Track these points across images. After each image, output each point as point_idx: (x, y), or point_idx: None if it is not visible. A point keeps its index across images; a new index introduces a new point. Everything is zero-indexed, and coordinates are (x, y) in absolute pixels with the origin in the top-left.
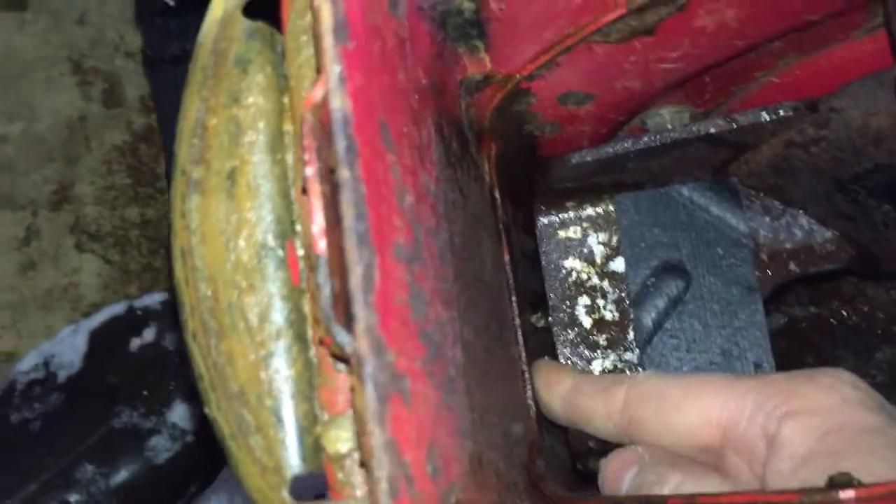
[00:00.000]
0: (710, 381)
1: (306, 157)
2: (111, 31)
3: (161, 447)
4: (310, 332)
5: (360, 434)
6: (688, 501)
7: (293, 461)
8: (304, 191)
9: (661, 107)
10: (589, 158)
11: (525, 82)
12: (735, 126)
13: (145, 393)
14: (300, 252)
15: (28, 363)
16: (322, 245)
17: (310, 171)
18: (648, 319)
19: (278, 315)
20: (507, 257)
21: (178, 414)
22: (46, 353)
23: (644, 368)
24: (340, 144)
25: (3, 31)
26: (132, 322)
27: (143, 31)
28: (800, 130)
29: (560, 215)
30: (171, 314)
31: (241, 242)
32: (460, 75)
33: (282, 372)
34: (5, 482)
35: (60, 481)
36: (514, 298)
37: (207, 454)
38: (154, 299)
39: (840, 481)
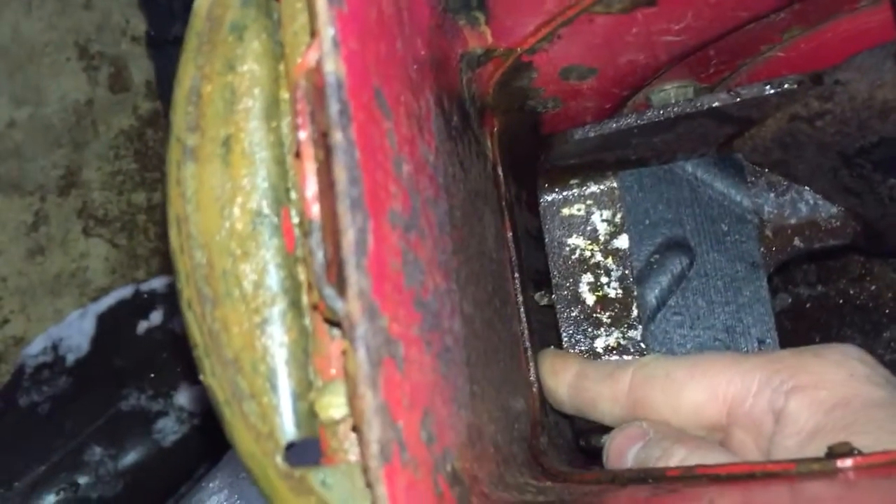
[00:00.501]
0: (716, 359)
1: (299, 121)
2: (117, 15)
3: (168, 429)
4: (304, 300)
5: (352, 397)
6: (686, 472)
7: (287, 427)
8: (298, 155)
9: (666, 82)
10: (592, 134)
11: (526, 56)
12: (739, 99)
13: (153, 376)
14: (295, 220)
15: (36, 347)
16: (315, 209)
17: (303, 135)
18: (652, 296)
19: (273, 282)
20: (509, 234)
21: (186, 396)
22: (55, 337)
23: (647, 345)
24: (333, 108)
25: (11, 15)
26: (139, 305)
27: (146, 12)
28: (804, 104)
29: (563, 193)
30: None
31: (236, 210)
32: (461, 49)
33: (276, 339)
34: (14, 464)
35: (69, 463)
36: (516, 275)
37: (215, 437)
38: (161, 282)
39: (839, 451)
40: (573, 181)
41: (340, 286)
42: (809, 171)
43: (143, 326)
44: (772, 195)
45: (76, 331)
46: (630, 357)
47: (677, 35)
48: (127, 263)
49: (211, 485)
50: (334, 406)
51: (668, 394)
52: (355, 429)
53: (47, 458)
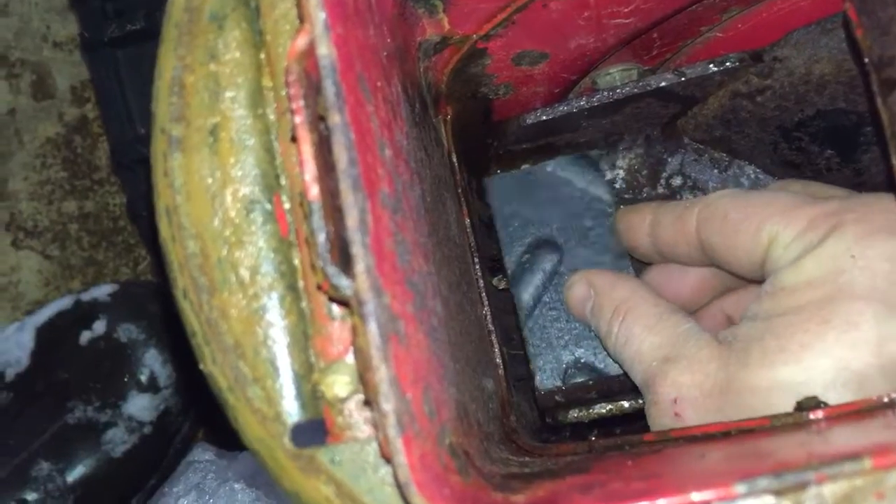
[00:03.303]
0: (773, 202)
1: (294, 105)
2: (37, 21)
3: (118, 440)
4: (301, 283)
5: (365, 372)
6: (661, 437)
7: (292, 409)
8: (294, 139)
9: (611, 65)
10: (544, 118)
11: (482, 42)
12: (684, 79)
13: (99, 386)
14: (286, 205)
15: None
16: (315, 191)
17: (299, 119)
18: (527, 295)
19: (269, 268)
20: (468, 220)
21: (135, 406)
22: None
23: (529, 341)
24: (330, 90)
25: None
26: (80, 315)
27: (78, 15)
28: (745, 81)
29: None
30: (121, 305)
31: (228, 198)
32: (419, 37)
33: (276, 323)
34: None
35: (16, 480)
36: (476, 260)
37: (166, 446)
38: (102, 291)
39: (808, 404)
40: (524, 166)
41: (345, 264)
42: (751, 147)
43: (85, 337)
44: (715, 171)
45: (14, 345)
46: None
47: (626, 18)
48: (61, 275)
49: (175, 489)
50: (339, 384)
51: (724, 236)
52: (367, 403)
53: None
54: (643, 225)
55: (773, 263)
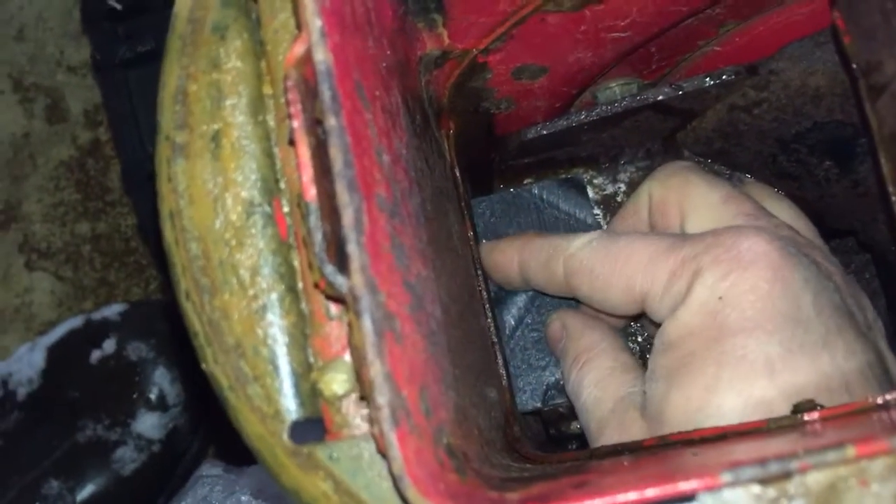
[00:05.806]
0: (634, 254)
1: (292, 110)
2: (51, 46)
3: (127, 458)
4: (300, 285)
5: (360, 368)
6: (661, 441)
7: (291, 407)
8: (292, 143)
9: (611, 80)
10: (545, 132)
11: (481, 56)
12: (681, 92)
13: (109, 405)
14: (285, 209)
15: None
16: (313, 192)
17: (296, 123)
18: (510, 317)
19: (269, 269)
20: (471, 233)
21: (144, 424)
22: (3, 373)
23: (509, 363)
24: (326, 94)
25: None
26: (91, 334)
27: (90, 37)
28: (742, 94)
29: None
30: (131, 324)
31: (229, 202)
32: (420, 51)
33: (276, 323)
34: None
35: (26, 499)
36: (479, 272)
37: (174, 464)
38: (113, 310)
39: (804, 407)
40: (527, 181)
41: (341, 263)
42: (750, 159)
43: (95, 356)
44: None
45: (26, 364)
46: None
47: (623, 31)
48: (73, 295)
49: (183, 503)
50: (337, 382)
51: (594, 290)
52: (363, 398)
53: (3, 496)
54: (512, 265)
55: (654, 314)
